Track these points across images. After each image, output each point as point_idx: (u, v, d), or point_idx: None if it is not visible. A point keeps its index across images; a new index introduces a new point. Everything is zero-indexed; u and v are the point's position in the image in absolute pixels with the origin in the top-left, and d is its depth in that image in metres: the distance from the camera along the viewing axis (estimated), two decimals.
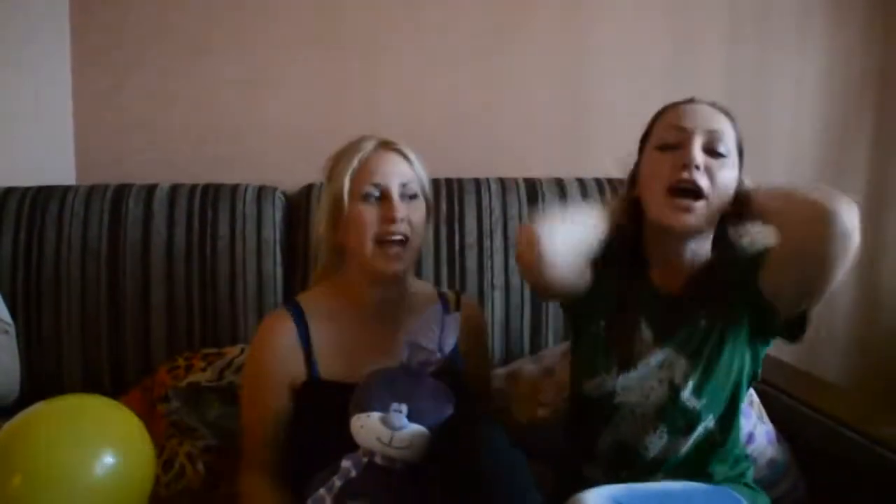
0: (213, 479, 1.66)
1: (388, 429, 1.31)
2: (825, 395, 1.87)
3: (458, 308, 1.62)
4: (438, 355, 1.41)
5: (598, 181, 2.08)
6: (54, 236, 1.96)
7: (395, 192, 1.49)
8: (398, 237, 1.48)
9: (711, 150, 1.35)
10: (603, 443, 1.44)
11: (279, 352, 1.52)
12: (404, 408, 1.34)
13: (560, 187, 2.06)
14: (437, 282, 1.97)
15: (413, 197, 1.53)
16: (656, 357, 1.40)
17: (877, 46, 2.38)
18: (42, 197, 2.00)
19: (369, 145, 1.54)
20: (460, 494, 1.21)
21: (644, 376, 1.40)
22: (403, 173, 1.53)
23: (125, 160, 2.23)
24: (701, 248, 1.42)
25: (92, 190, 2.02)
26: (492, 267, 2.00)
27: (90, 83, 2.23)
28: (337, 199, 1.51)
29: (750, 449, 1.66)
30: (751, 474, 1.48)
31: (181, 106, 2.24)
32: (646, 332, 1.42)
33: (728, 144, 1.36)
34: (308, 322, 1.54)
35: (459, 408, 1.38)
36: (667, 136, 1.39)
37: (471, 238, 2.00)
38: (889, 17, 2.37)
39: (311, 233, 1.99)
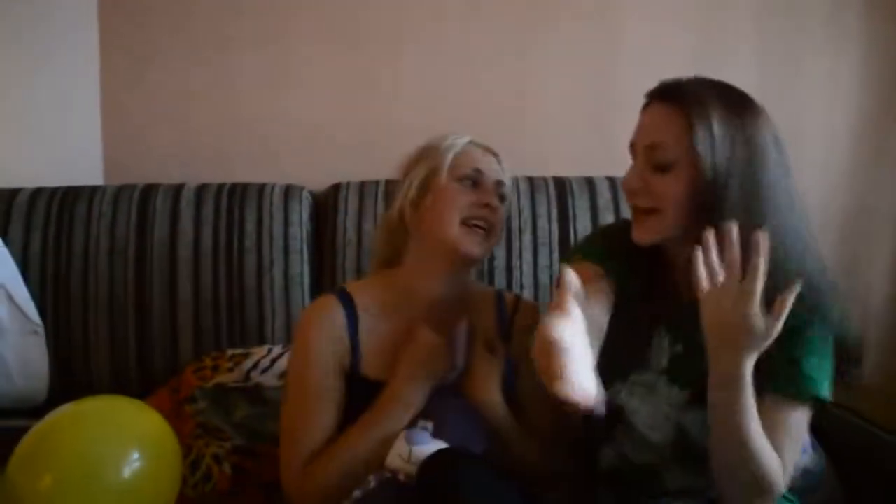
0: (240, 480, 1.65)
1: (409, 444, 1.28)
2: (858, 396, 1.83)
3: (515, 310, 1.57)
4: (454, 373, 1.40)
5: None
6: (82, 237, 1.97)
7: (491, 185, 1.51)
8: (485, 224, 1.48)
9: (656, 164, 1.28)
10: (607, 460, 1.40)
11: (329, 332, 1.46)
12: (430, 425, 1.33)
13: (590, 186, 2.04)
14: None
15: (502, 199, 1.54)
16: (671, 392, 1.34)
17: None
18: (70, 197, 2.01)
19: (466, 139, 1.55)
20: None
21: (654, 406, 1.34)
22: (501, 174, 1.54)
23: (152, 159, 2.24)
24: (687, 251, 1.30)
25: (119, 190, 2.03)
26: (521, 266, 1.98)
27: (117, 84, 2.24)
28: (432, 174, 1.50)
29: None
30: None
31: (208, 104, 2.25)
32: (664, 339, 1.37)
33: (671, 154, 1.26)
34: (357, 312, 1.49)
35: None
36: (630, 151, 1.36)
37: (500, 237, 1.97)
38: None
39: (338, 232, 1.99)
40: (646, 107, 1.37)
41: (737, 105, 1.28)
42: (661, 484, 1.36)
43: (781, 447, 1.21)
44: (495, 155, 1.57)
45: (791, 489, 1.43)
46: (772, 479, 1.18)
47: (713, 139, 1.23)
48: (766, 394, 1.22)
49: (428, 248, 1.49)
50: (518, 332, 1.51)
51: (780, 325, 1.11)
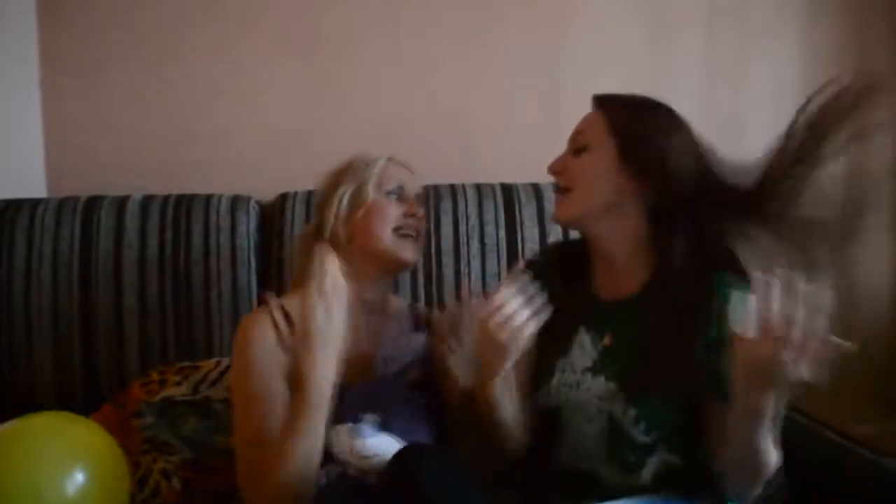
0: (188, 494, 1.64)
1: (357, 438, 1.30)
2: (805, 396, 1.87)
3: (429, 324, 1.63)
4: (411, 364, 1.44)
5: None
6: (25, 249, 1.94)
7: (412, 197, 1.65)
8: (413, 232, 1.61)
9: (575, 149, 1.45)
10: (557, 462, 1.44)
11: (265, 343, 1.47)
12: (375, 418, 1.34)
13: (537, 192, 2.05)
14: (414, 289, 1.97)
15: (421, 210, 1.66)
16: (596, 383, 1.39)
17: (852, 42, 2.38)
18: (11, 210, 1.97)
19: (387, 157, 1.67)
20: None
21: (584, 400, 1.39)
22: (418, 188, 1.69)
23: (96, 170, 2.20)
24: (630, 250, 1.42)
25: (63, 202, 1.99)
26: (469, 273, 1.98)
27: (59, 94, 2.20)
28: (360, 190, 1.60)
29: None
30: None
31: (153, 114, 2.22)
32: (584, 338, 1.44)
33: (587, 138, 1.44)
34: (290, 322, 1.50)
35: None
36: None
37: (447, 244, 1.99)
38: (865, 11, 2.37)
39: (286, 242, 1.98)
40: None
41: (649, 102, 1.46)
42: (602, 484, 1.40)
43: None
44: (411, 171, 1.69)
45: None
46: (770, 471, 1.28)
47: (623, 123, 1.42)
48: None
49: (360, 257, 1.57)
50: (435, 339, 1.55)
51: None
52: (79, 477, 1.35)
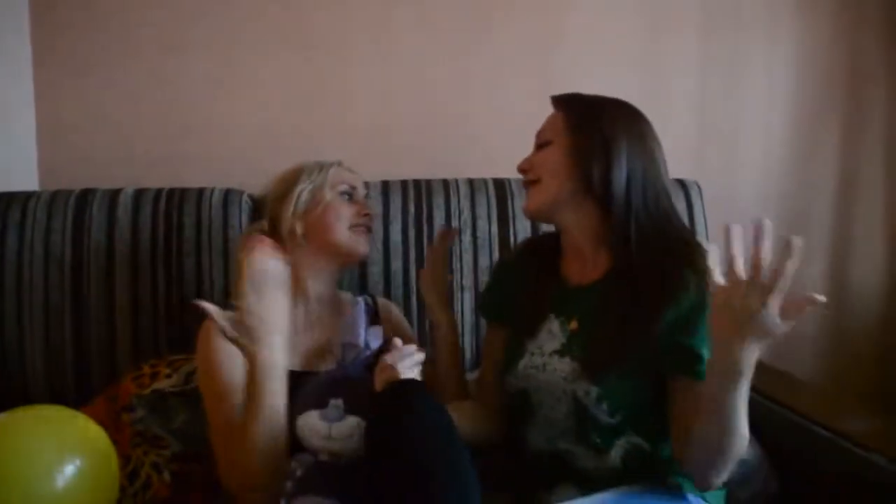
0: (180, 487, 1.64)
1: (325, 422, 1.35)
2: (793, 392, 1.88)
3: (376, 309, 1.78)
4: (367, 351, 1.51)
5: None
6: (16, 243, 1.93)
7: (362, 197, 1.78)
8: (366, 228, 1.73)
9: (539, 146, 1.54)
10: (533, 444, 1.49)
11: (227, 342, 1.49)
12: (340, 402, 1.37)
13: None
14: (406, 283, 1.98)
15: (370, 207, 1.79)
16: (562, 364, 1.43)
17: (845, 42, 2.40)
18: (3, 203, 1.96)
19: (338, 161, 1.78)
20: (388, 461, 1.24)
21: (551, 381, 1.44)
22: (366, 191, 1.84)
23: (89, 163, 2.20)
24: (594, 239, 1.48)
25: (55, 196, 1.99)
26: (461, 268, 1.99)
27: (52, 87, 2.20)
28: (318, 190, 1.70)
29: None
30: None
31: (146, 107, 2.22)
32: (553, 323, 1.49)
33: (549, 135, 1.52)
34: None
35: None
36: None
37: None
38: (858, 10, 2.38)
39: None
40: None
41: (607, 102, 1.51)
42: (575, 465, 1.44)
43: None
44: (359, 175, 1.80)
45: (725, 480, 1.47)
46: (740, 452, 1.27)
47: (577, 123, 1.48)
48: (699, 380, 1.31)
49: (314, 252, 1.70)
50: (385, 328, 1.69)
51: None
52: (69, 470, 1.34)
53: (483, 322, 1.95)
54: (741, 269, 1.13)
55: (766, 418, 1.75)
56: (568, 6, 2.32)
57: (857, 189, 2.45)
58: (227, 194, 2.01)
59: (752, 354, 1.16)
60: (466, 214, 2.02)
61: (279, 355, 1.40)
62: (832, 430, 1.64)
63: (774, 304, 1.11)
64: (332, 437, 1.34)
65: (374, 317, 1.75)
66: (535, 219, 1.59)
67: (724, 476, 1.30)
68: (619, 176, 1.42)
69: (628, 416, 1.39)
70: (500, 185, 2.07)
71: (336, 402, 1.37)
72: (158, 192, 2.01)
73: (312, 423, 1.36)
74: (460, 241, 2.00)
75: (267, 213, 1.76)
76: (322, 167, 1.75)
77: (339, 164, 1.78)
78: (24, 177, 2.18)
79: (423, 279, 1.75)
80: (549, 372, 1.45)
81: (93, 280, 1.93)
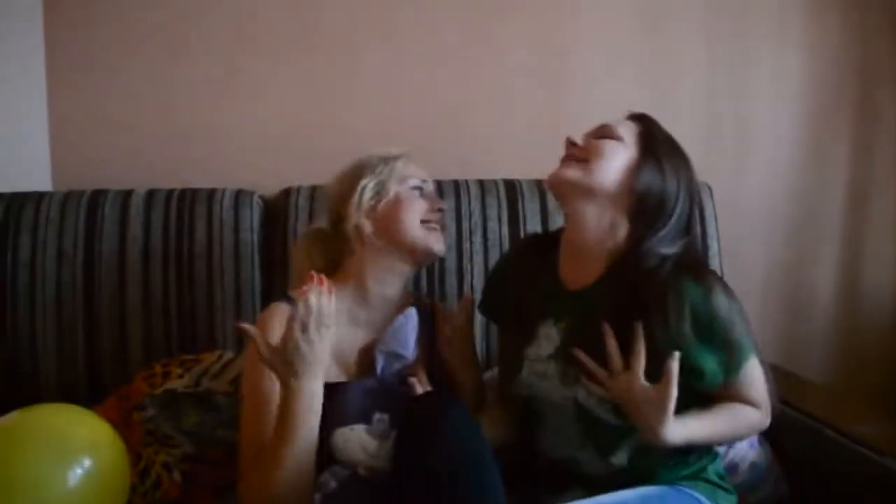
0: (189, 487, 1.64)
1: (374, 439, 1.30)
2: (805, 395, 1.87)
3: (433, 315, 1.67)
4: (410, 360, 1.44)
5: None
6: (29, 243, 1.94)
7: (432, 192, 1.69)
8: (438, 225, 1.63)
9: (602, 135, 1.46)
10: (540, 451, 1.49)
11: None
12: (386, 417, 1.34)
13: (540, 188, 2.05)
14: (417, 284, 1.97)
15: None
16: (558, 369, 1.43)
17: (854, 43, 2.38)
18: (17, 203, 1.98)
19: (405, 152, 1.67)
20: (415, 476, 1.23)
21: (551, 388, 1.44)
22: (433, 186, 1.72)
23: (102, 164, 2.21)
24: (601, 243, 1.45)
25: (67, 196, 2.00)
26: (471, 269, 1.99)
27: (65, 89, 2.21)
28: (385, 184, 1.60)
29: (731, 454, 1.66)
30: (714, 468, 1.48)
31: (158, 108, 2.23)
32: (550, 328, 1.48)
33: (621, 134, 1.45)
34: None
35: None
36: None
37: (450, 240, 1.97)
38: (866, 14, 2.37)
39: (289, 236, 1.98)
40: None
41: (677, 144, 1.49)
42: (581, 471, 1.44)
43: (754, 400, 1.41)
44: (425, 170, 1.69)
45: (738, 485, 1.49)
46: (756, 429, 1.46)
47: (654, 145, 1.44)
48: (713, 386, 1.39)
49: (385, 251, 1.58)
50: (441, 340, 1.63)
51: (673, 390, 1.28)
52: (80, 469, 1.35)
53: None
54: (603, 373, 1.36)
55: (777, 421, 1.74)
56: (574, 6, 2.31)
57: (869, 191, 2.43)
58: (239, 195, 2.02)
59: (671, 426, 1.30)
60: (477, 216, 2.01)
61: (316, 385, 1.33)
62: (844, 433, 1.63)
63: (639, 386, 1.31)
64: (379, 454, 1.30)
65: (430, 325, 1.66)
66: (556, 190, 1.50)
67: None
68: (669, 207, 1.42)
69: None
70: (511, 186, 2.06)
71: (381, 417, 1.34)
72: (170, 192, 2.02)
73: (359, 438, 1.32)
74: (471, 242, 2.00)
75: (328, 213, 1.69)
76: (388, 160, 1.64)
77: (406, 156, 1.67)
78: (37, 177, 2.19)
79: (444, 349, 1.63)
80: (549, 379, 1.44)
81: (105, 280, 1.94)
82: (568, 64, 2.31)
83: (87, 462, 1.36)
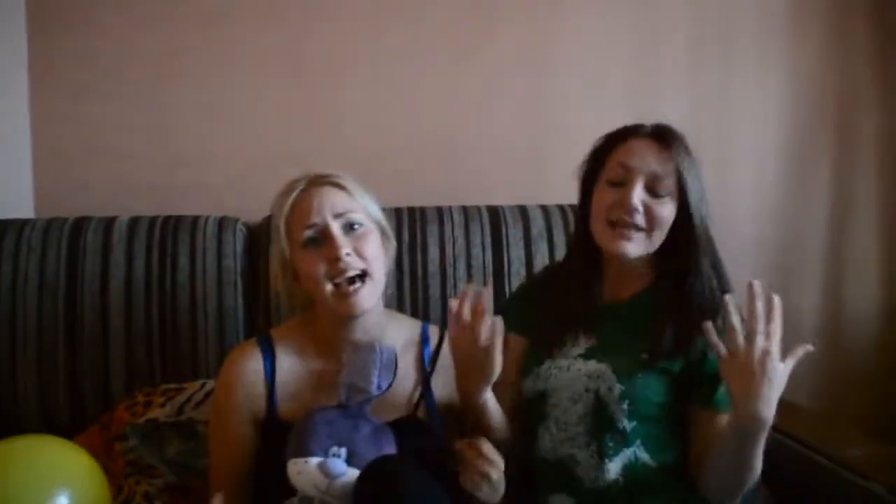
0: None
1: (325, 477, 1.27)
2: (790, 417, 1.86)
3: (440, 343, 1.60)
4: (376, 393, 1.39)
5: (560, 208, 2.08)
6: (10, 270, 1.93)
7: (333, 228, 1.45)
8: (352, 273, 1.43)
9: (652, 190, 1.46)
10: (538, 450, 1.49)
11: (243, 385, 1.49)
12: (343, 451, 1.31)
13: (523, 214, 2.05)
14: (400, 311, 1.95)
15: (356, 226, 1.48)
16: (587, 365, 1.46)
17: (835, 67, 2.40)
18: None
19: (299, 186, 1.50)
20: None
21: (573, 379, 1.46)
22: (338, 204, 1.47)
23: (85, 191, 2.21)
24: (643, 261, 1.52)
25: (50, 223, 1.99)
26: (455, 294, 1.98)
27: (49, 115, 2.21)
28: (282, 253, 1.50)
29: None
30: None
31: (142, 135, 2.23)
32: (581, 338, 1.52)
33: (670, 185, 1.47)
34: (276, 356, 1.52)
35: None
36: (614, 174, 1.50)
37: (434, 267, 1.98)
38: (846, 39, 2.40)
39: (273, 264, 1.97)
40: (627, 137, 1.53)
41: (692, 155, 1.52)
42: (574, 473, 1.45)
43: None
44: (331, 182, 1.50)
45: None
46: (753, 480, 1.39)
47: (692, 181, 1.47)
48: (719, 412, 1.41)
49: (323, 308, 1.50)
50: (441, 379, 1.55)
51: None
52: (60, 500, 1.34)
53: None
54: (740, 337, 1.29)
55: (767, 446, 1.74)
56: (559, 32, 2.33)
57: (851, 212, 2.45)
58: (222, 222, 2.01)
59: (772, 406, 1.28)
60: (461, 242, 2.01)
61: None
62: (830, 457, 1.63)
63: (776, 358, 1.27)
64: (329, 492, 1.25)
65: (433, 356, 1.58)
66: (624, 261, 1.50)
67: (736, 499, 1.41)
68: (703, 221, 1.49)
69: (642, 425, 1.43)
70: (494, 212, 2.06)
71: (337, 451, 1.30)
72: (153, 220, 2.01)
73: (311, 472, 1.27)
74: (455, 268, 1.99)
75: None
76: (281, 206, 1.49)
77: (306, 185, 1.49)
78: (19, 204, 2.18)
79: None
80: (573, 371, 1.47)
81: (87, 308, 1.93)
82: (551, 89, 2.33)
83: (67, 493, 1.35)
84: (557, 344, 1.52)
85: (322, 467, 1.28)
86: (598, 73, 2.34)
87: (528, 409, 1.54)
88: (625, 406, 1.42)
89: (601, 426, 1.44)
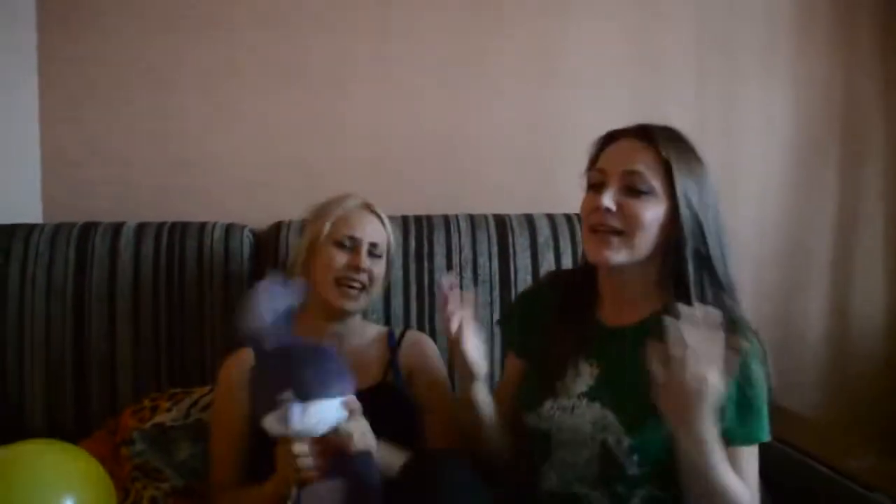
0: None
1: (281, 426, 1.28)
2: (795, 428, 1.86)
3: (401, 340, 1.79)
4: (268, 323, 1.37)
5: (567, 217, 2.08)
6: (18, 275, 1.94)
7: (364, 248, 1.71)
8: (357, 284, 1.69)
9: (632, 188, 1.37)
10: (547, 484, 1.44)
11: (240, 383, 1.55)
12: (289, 394, 1.29)
13: (530, 223, 2.06)
14: (407, 319, 1.98)
15: (379, 256, 1.74)
16: (591, 410, 1.39)
17: (841, 77, 2.41)
18: (6, 235, 1.97)
19: (353, 202, 1.76)
20: None
21: (578, 424, 1.40)
22: (377, 234, 1.75)
23: (93, 196, 2.21)
24: (646, 280, 1.43)
25: (58, 229, 2.00)
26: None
27: (57, 121, 2.21)
28: (314, 240, 1.73)
29: None
30: None
31: (150, 141, 2.23)
32: (582, 365, 1.45)
33: (650, 181, 1.37)
34: None
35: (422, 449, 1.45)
36: (593, 177, 1.44)
37: (440, 275, 1.98)
38: (852, 49, 2.40)
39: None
40: (613, 140, 1.46)
41: (694, 152, 1.43)
42: None
43: (744, 479, 1.32)
44: (378, 216, 1.78)
45: None
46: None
47: (686, 178, 1.38)
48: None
49: (316, 299, 1.70)
50: (404, 354, 1.75)
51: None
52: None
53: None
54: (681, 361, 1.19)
55: (766, 455, 1.74)
56: (565, 40, 2.33)
57: (857, 223, 2.45)
58: (229, 229, 2.02)
59: (709, 421, 1.22)
60: (467, 251, 2.01)
61: None
62: (834, 467, 1.62)
63: (714, 372, 1.19)
64: (298, 432, 1.28)
65: (396, 350, 1.76)
66: (605, 268, 1.45)
67: None
68: (714, 241, 1.39)
69: (655, 468, 1.36)
70: (501, 220, 2.07)
71: (286, 395, 1.28)
72: (160, 226, 2.02)
73: (276, 429, 1.29)
74: (461, 277, 2.00)
75: None
76: (336, 207, 1.75)
77: (361, 205, 1.76)
78: (28, 209, 2.19)
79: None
80: (578, 416, 1.40)
81: (94, 313, 1.94)
82: (556, 98, 2.33)
83: (73, 498, 1.35)
84: (558, 374, 1.45)
85: (278, 420, 1.29)
86: (603, 81, 2.34)
87: (532, 445, 1.48)
88: (635, 458, 1.35)
89: (610, 472, 1.37)
